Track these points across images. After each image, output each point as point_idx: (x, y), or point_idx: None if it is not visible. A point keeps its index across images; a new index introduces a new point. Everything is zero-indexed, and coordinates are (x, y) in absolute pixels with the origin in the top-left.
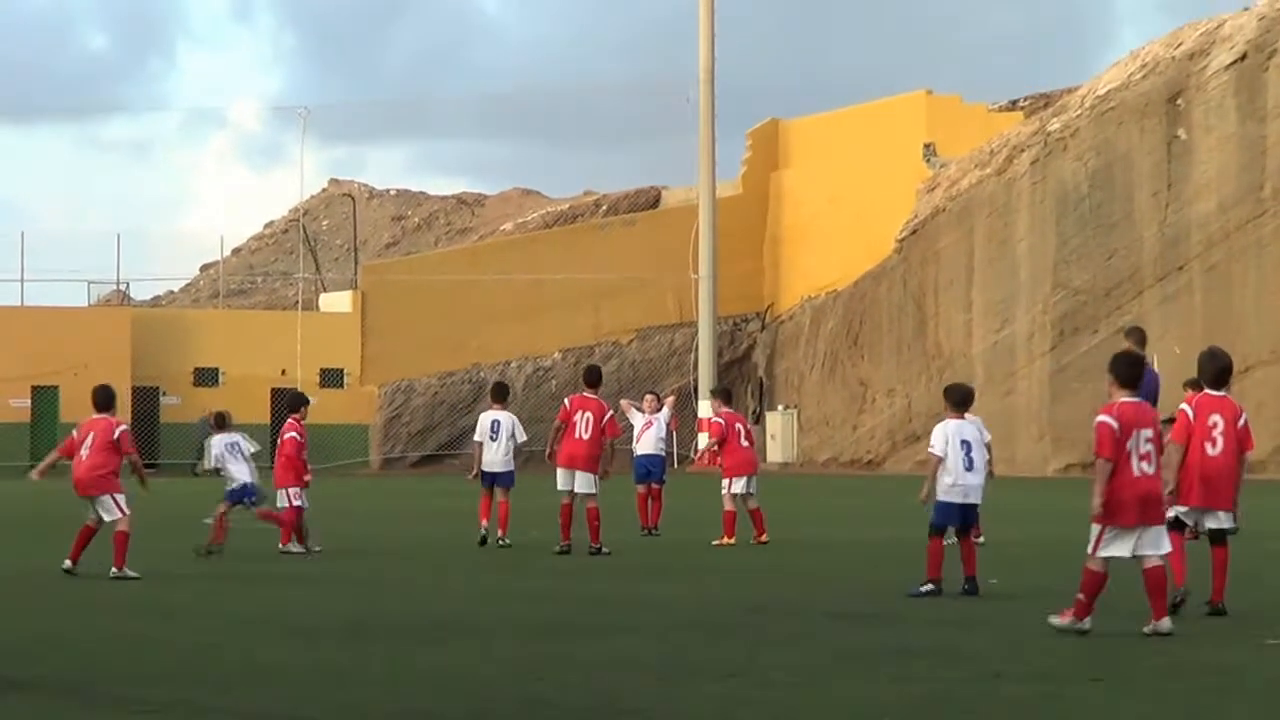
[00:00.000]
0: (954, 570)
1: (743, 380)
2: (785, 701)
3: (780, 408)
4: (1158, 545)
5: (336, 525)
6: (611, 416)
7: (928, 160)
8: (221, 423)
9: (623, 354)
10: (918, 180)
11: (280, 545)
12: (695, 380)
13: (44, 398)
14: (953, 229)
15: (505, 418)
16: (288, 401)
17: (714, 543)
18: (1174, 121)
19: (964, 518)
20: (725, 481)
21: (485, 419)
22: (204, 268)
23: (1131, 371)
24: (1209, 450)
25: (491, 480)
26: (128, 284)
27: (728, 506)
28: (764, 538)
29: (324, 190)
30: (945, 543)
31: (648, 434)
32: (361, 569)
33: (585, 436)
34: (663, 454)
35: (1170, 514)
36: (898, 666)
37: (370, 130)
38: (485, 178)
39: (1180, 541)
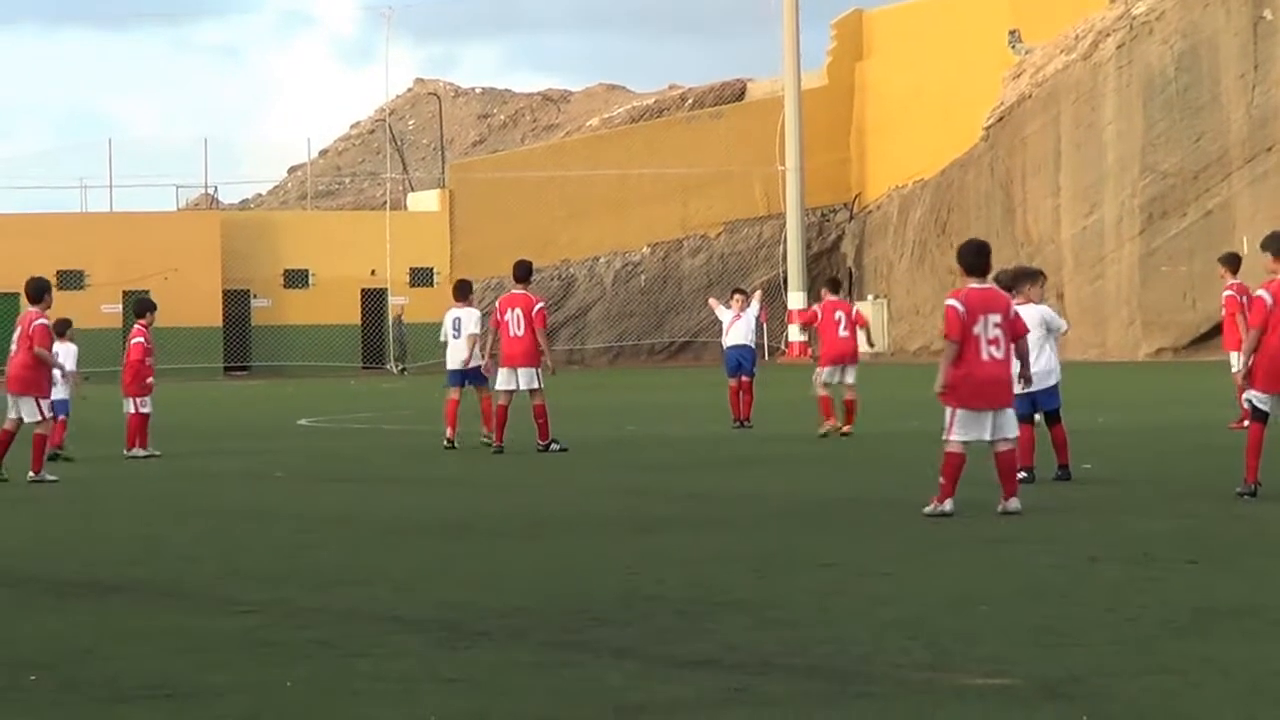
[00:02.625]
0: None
1: (832, 270)
2: (880, 591)
3: (870, 297)
4: (1008, 429)
5: (432, 424)
6: (541, 308)
7: (1013, 47)
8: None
9: (711, 247)
10: (1003, 67)
11: (127, 450)
12: (784, 272)
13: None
14: (1039, 115)
15: (467, 314)
16: (134, 307)
17: (819, 433)
18: (1260, 2)
19: (1032, 405)
20: (817, 370)
21: (448, 317)
22: (291, 170)
23: (977, 260)
24: None
25: (461, 378)
26: (215, 188)
27: (820, 393)
28: (848, 429)
29: (410, 90)
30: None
31: (737, 326)
32: (457, 468)
33: (519, 334)
34: (752, 346)
35: (1246, 399)
36: (993, 554)
37: (458, 28)
38: (571, 74)
39: (1260, 431)
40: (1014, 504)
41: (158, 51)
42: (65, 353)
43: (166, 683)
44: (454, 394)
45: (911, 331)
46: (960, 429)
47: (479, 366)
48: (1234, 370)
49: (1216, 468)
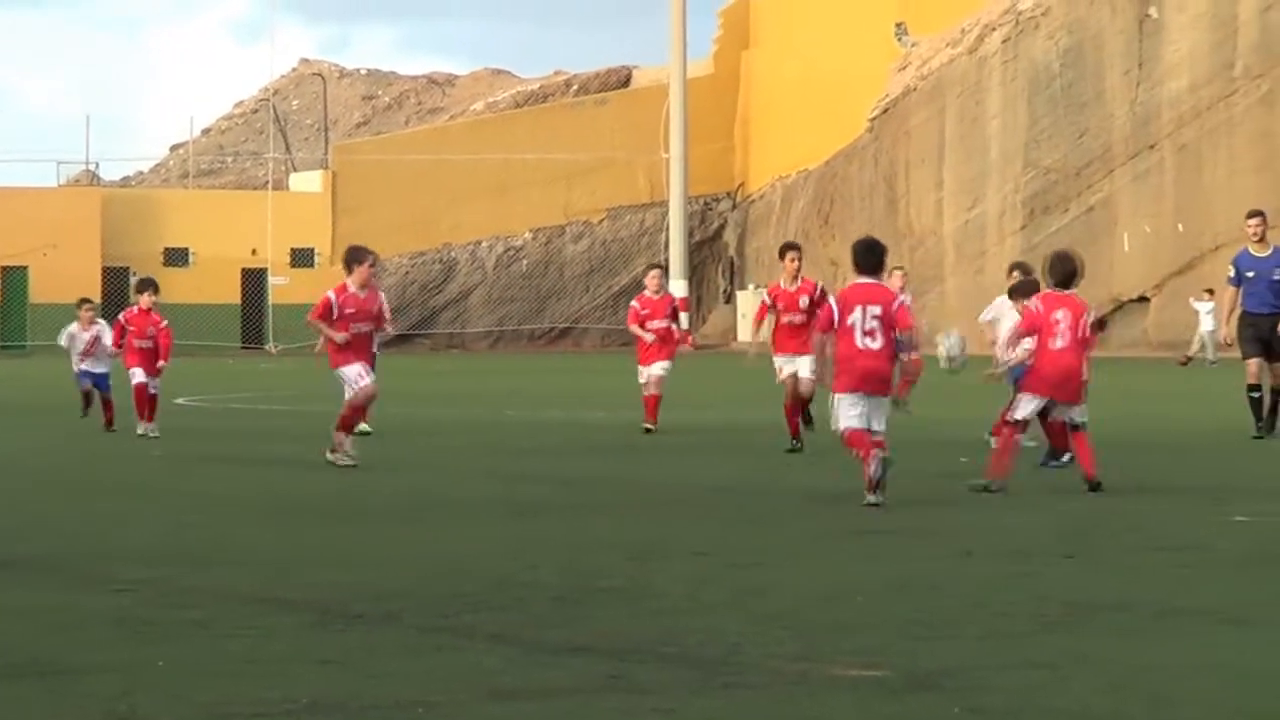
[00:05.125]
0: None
1: (714, 259)
2: (754, 581)
3: (751, 287)
4: (878, 419)
5: (310, 405)
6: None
7: (899, 39)
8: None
9: (593, 233)
10: (889, 59)
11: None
12: (667, 260)
13: (13, 278)
14: (924, 108)
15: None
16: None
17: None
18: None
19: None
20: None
21: None
22: (173, 148)
23: (866, 258)
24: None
25: None
26: (97, 164)
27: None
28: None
29: (294, 70)
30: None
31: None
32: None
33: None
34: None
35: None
36: (867, 546)
37: (351, 10)
38: (460, 58)
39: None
40: (874, 496)
41: (53, 26)
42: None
43: (38, 661)
44: None
45: None
46: (845, 415)
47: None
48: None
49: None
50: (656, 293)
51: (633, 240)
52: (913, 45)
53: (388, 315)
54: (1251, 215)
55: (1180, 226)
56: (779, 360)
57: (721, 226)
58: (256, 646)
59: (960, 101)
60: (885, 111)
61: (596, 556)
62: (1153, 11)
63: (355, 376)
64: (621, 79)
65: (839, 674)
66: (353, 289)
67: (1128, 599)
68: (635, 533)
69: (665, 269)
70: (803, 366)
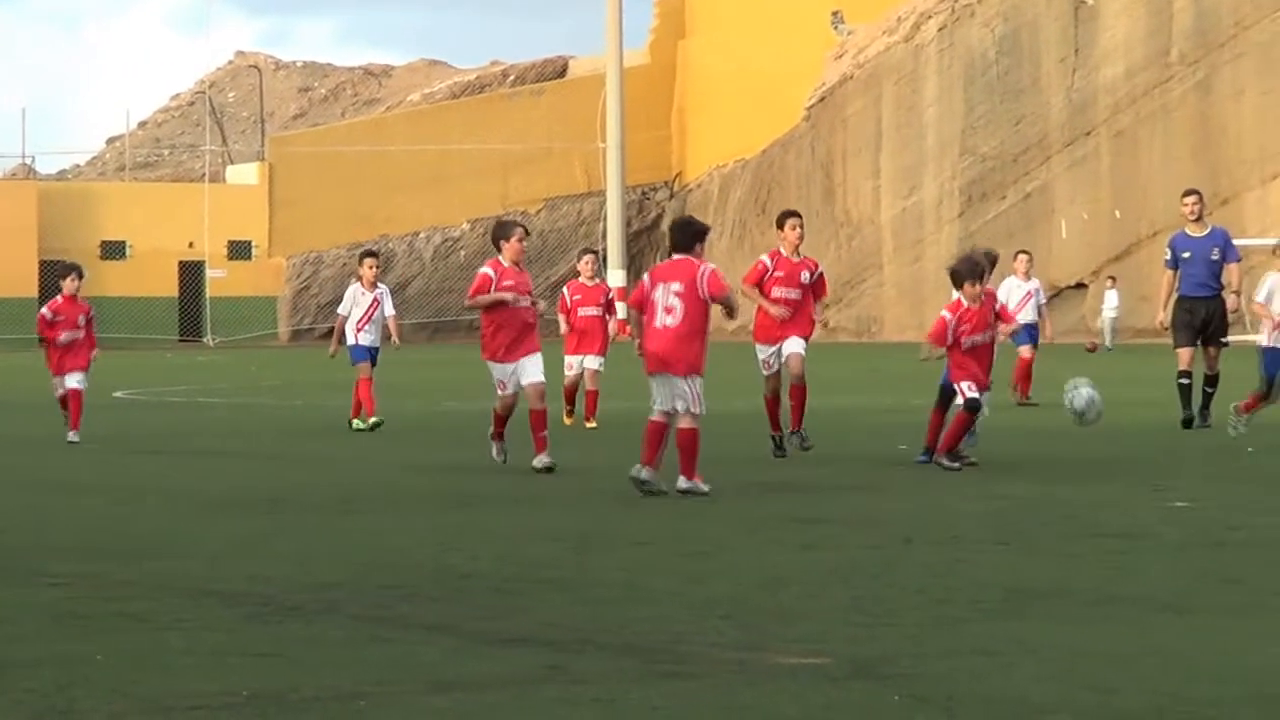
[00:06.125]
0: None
1: (651, 249)
2: (695, 570)
3: None
4: (677, 400)
5: (249, 399)
6: None
7: (835, 27)
8: None
9: (531, 224)
10: (825, 48)
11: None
12: (604, 250)
13: None
14: (860, 97)
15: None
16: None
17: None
18: None
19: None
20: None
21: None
22: (110, 141)
23: (679, 236)
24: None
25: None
26: (33, 157)
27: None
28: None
29: (230, 63)
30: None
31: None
32: (274, 443)
33: None
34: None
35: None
36: (807, 534)
37: (289, 2)
38: (397, 49)
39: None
40: (683, 483)
41: None
42: None
43: None
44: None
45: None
46: (653, 395)
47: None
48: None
49: (1030, 450)
50: (591, 279)
51: (570, 230)
52: (849, 33)
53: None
54: (1187, 194)
55: (1117, 213)
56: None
57: (659, 216)
58: (194, 639)
59: (897, 90)
60: (822, 100)
61: (536, 547)
62: None
63: (500, 380)
64: (558, 69)
65: (780, 662)
66: (506, 264)
67: (1067, 586)
68: (575, 523)
69: (600, 255)
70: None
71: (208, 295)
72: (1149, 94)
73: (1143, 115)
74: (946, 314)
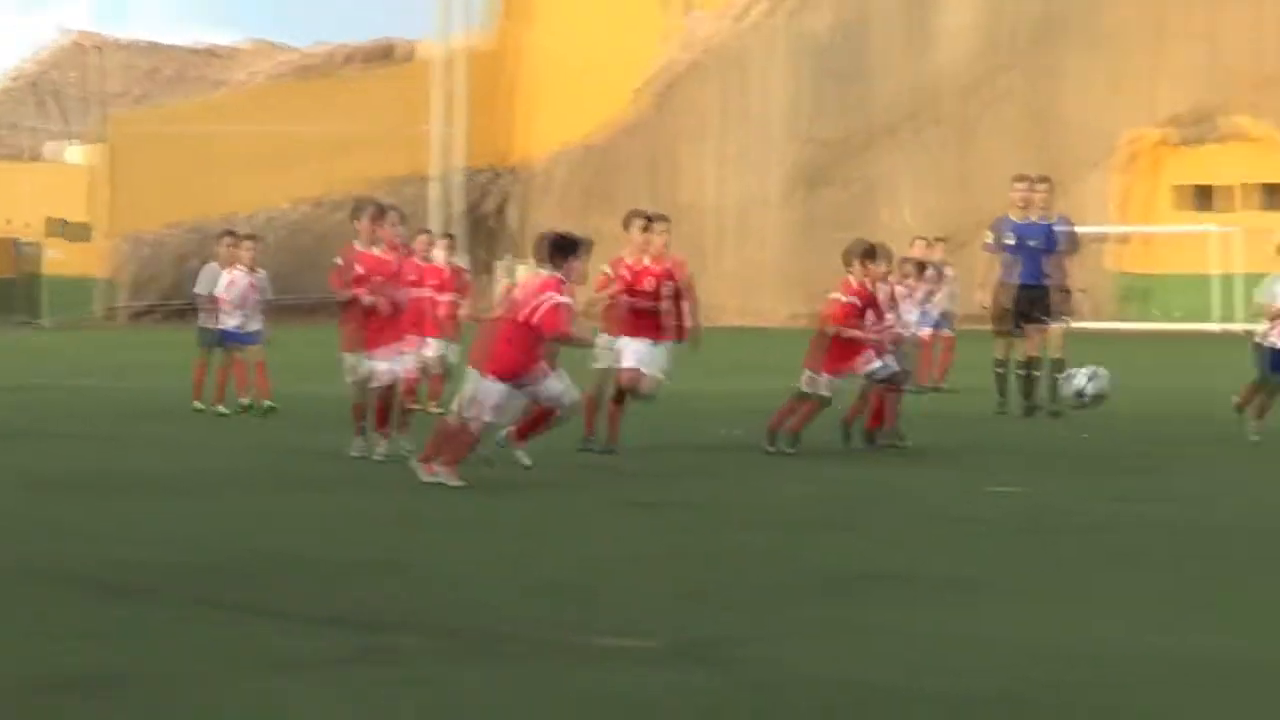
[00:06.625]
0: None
1: (485, 233)
2: (519, 551)
3: (524, 259)
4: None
5: (80, 381)
6: None
7: (673, 13)
8: None
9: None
10: (665, 33)
11: None
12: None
13: None
14: (698, 82)
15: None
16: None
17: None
18: None
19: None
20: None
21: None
22: None
23: (535, 248)
24: None
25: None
26: None
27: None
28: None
29: (69, 41)
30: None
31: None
32: (108, 425)
33: None
34: None
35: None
36: (637, 518)
37: None
38: (236, 29)
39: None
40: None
41: None
42: None
43: None
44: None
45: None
46: None
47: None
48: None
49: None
50: (446, 263)
51: (406, 212)
52: (686, 18)
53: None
54: (1019, 180)
55: (952, 199)
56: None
57: (496, 200)
58: (21, 622)
59: (734, 75)
60: (661, 86)
61: (358, 529)
62: None
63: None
64: (395, 51)
65: (606, 645)
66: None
67: (898, 570)
68: (398, 505)
69: (439, 236)
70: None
71: (44, 275)
72: (985, 81)
73: (979, 102)
74: (843, 296)
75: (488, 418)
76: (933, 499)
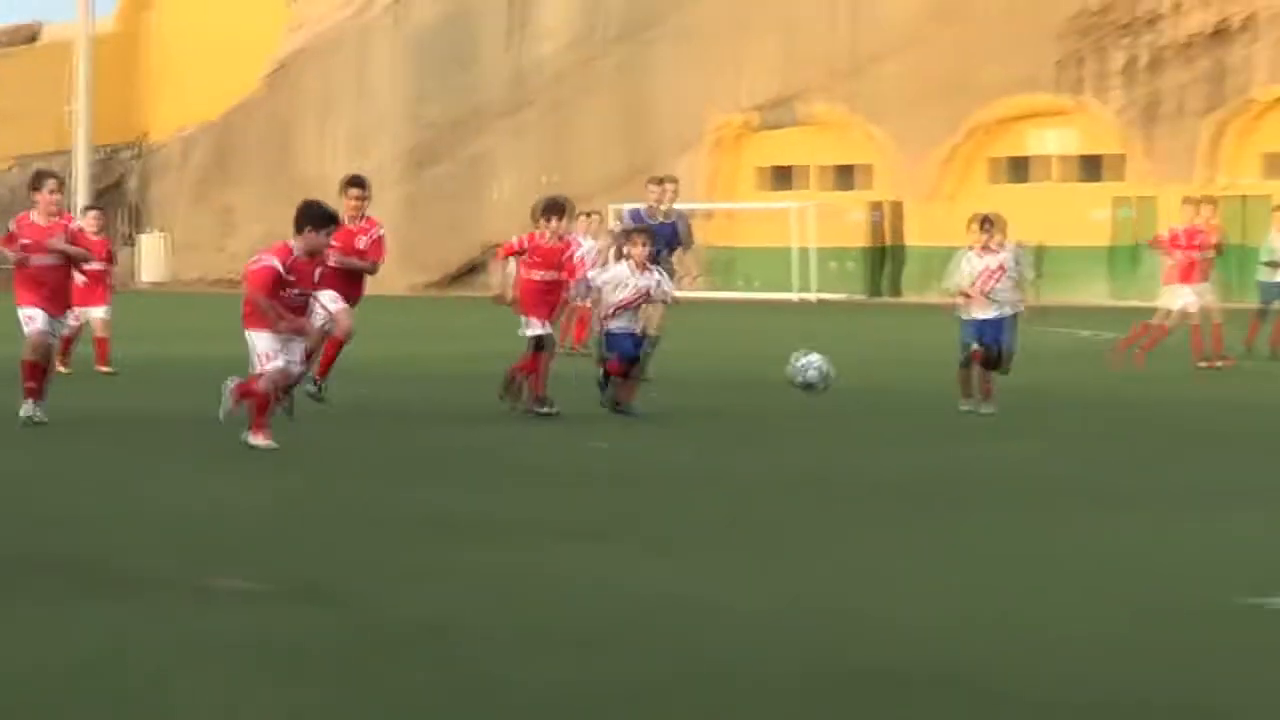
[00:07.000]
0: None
1: (116, 205)
2: (133, 496)
3: (153, 231)
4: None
5: None
6: None
7: (291, 2)
8: None
9: (2, 180)
10: (284, 19)
11: None
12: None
13: None
14: (316, 66)
15: None
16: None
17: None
18: None
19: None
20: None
21: None
22: None
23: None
24: None
25: None
26: None
27: None
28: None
29: None
30: None
31: None
32: None
33: None
34: None
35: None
36: (249, 466)
37: None
38: None
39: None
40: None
41: None
42: None
43: None
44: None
45: (188, 264)
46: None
47: None
48: None
49: (448, 397)
50: (97, 234)
51: None
52: (305, 6)
53: None
54: (653, 181)
55: (544, 179)
56: None
57: (125, 175)
58: None
59: (350, 60)
60: (280, 69)
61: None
62: None
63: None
64: (30, 34)
65: (219, 585)
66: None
67: (491, 515)
68: (35, 456)
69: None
70: None
71: None
72: (579, 70)
73: (575, 89)
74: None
75: (275, 364)
76: (520, 452)
